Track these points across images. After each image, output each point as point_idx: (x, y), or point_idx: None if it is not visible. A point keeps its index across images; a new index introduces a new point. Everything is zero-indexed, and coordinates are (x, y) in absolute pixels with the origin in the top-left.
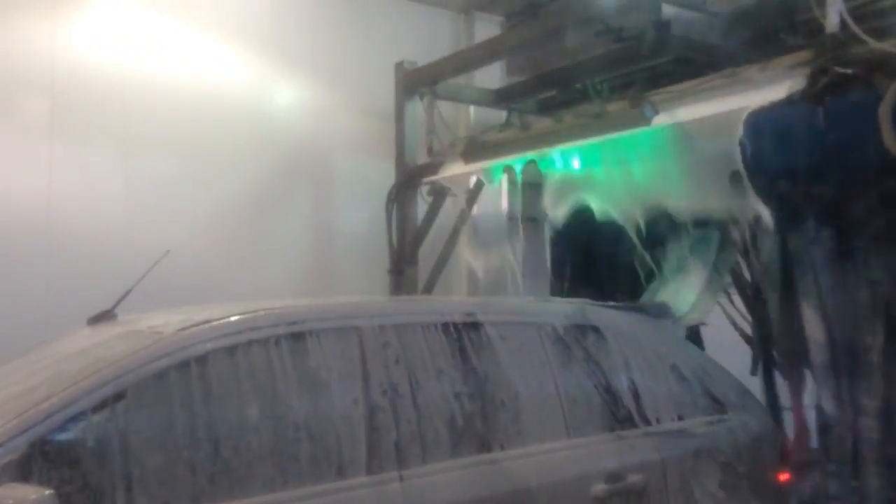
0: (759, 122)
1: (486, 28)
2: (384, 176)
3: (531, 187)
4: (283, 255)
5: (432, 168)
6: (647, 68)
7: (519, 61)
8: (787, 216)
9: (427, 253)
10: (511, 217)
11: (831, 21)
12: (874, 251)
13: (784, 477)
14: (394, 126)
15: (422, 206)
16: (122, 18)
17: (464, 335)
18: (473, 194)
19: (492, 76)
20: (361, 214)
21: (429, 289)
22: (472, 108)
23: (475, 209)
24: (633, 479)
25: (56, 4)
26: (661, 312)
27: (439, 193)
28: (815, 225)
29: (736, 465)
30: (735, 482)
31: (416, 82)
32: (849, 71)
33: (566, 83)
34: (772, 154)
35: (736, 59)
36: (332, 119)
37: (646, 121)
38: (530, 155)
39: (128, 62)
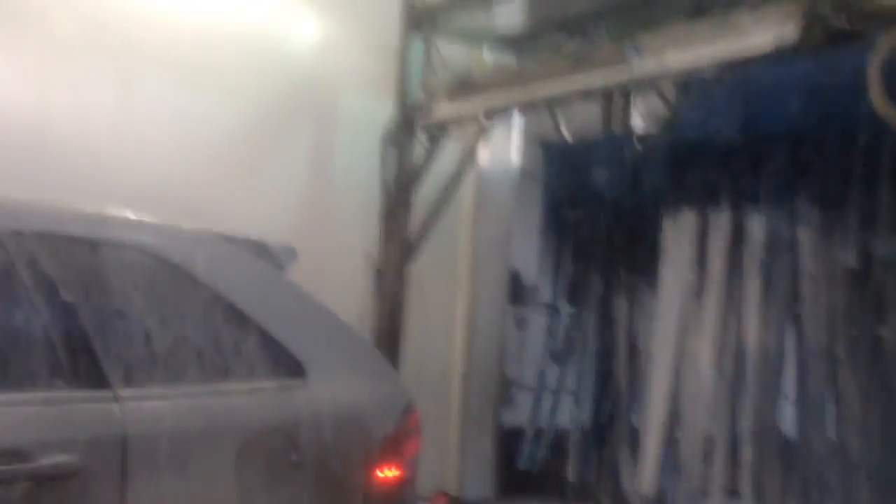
0: None
1: None
2: (387, 115)
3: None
4: (278, 188)
5: (427, 109)
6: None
7: (541, 7)
8: None
9: (428, 200)
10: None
11: None
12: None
13: (387, 474)
14: (398, 64)
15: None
16: None
17: None
18: (474, 139)
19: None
20: (360, 153)
21: (423, 235)
22: (487, 51)
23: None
24: (50, 460)
25: None
26: (261, 249)
27: (436, 136)
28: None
29: (285, 450)
30: (276, 474)
31: (422, 18)
32: (846, 25)
33: (576, 29)
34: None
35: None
36: (335, 53)
37: (627, 62)
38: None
39: None
